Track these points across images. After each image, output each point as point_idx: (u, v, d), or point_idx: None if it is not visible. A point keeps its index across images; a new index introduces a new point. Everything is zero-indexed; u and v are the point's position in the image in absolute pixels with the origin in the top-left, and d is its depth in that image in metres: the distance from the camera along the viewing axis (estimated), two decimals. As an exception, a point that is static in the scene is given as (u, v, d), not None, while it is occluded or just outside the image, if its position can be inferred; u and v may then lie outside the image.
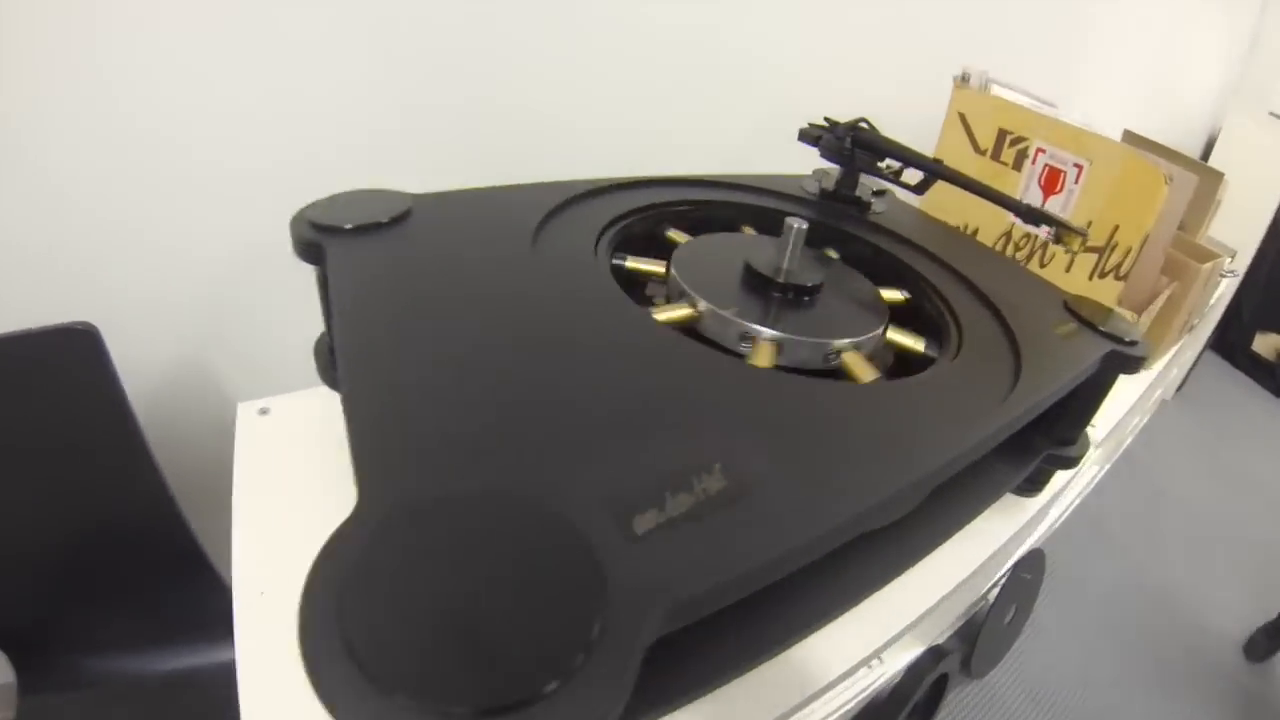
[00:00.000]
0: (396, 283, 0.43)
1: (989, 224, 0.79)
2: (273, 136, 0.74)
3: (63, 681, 0.80)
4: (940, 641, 0.74)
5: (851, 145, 0.69)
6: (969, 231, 0.82)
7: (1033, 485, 0.61)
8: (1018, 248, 0.79)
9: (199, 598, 0.83)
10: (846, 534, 0.33)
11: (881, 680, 0.56)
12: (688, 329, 0.50)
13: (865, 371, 0.48)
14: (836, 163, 0.71)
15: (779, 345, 0.48)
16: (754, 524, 0.30)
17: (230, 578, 0.44)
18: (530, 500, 0.28)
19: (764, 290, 0.53)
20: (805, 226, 0.52)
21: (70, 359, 0.65)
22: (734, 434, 0.35)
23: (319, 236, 0.45)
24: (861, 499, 0.33)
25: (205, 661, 0.85)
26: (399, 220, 0.49)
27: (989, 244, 0.80)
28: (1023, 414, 0.43)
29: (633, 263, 0.57)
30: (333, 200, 0.50)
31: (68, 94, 0.63)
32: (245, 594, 0.43)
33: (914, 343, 0.54)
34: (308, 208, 0.48)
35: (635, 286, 0.57)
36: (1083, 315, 0.56)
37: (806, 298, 0.53)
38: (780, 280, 0.52)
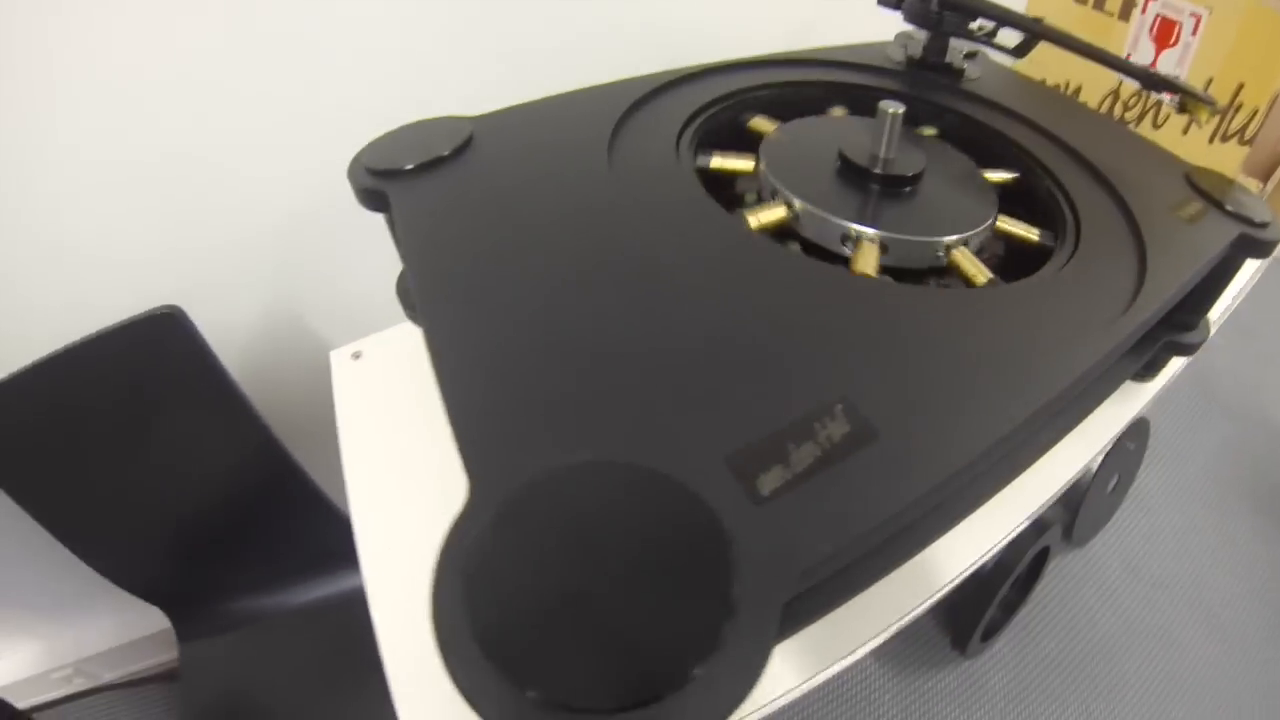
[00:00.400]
0: (467, 223, 0.41)
1: (1093, 81, 0.72)
2: (330, 71, 0.71)
3: (213, 627, 0.89)
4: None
5: (939, 6, 0.62)
6: (1071, 91, 0.75)
7: (1148, 370, 0.58)
8: (1126, 107, 0.72)
9: (322, 532, 0.89)
10: (977, 470, 0.31)
11: (987, 555, 0.55)
12: (785, 231, 0.47)
13: (977, 272, 0.45)
14: (923, 26, 0.64)
15: (884, 245, 0.44)
16: (883, 471, 0.28)
17: (349, 511, 0.46)
18: (648, 470, 0.26)
19: (862, 182, 0.49)
20: (902, 110, 0.47)
21: (162, 341, 0.67)
22: (851, 366, 0.33)
23: (379, 183, 0.43)
24: (990, 432, 0.31)
25: (337, 589, 0.93)
26: (461, 150, 0.46)
27: (1094, 105, 0.73)
28: (1151, 317, 0.40)
29: (719, 160, 0.53)
30: (391, 138, 0.48)
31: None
32: (365, 525, 0.45)
33: (1027, 232, 0.50)
34: (364, 151, 0.46)
35: (724, 185, 0.53)
36: (1207, 192, 0.50)
37: (908, 188, 0.49)
38: (878, 171, 0.48)
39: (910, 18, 0.64)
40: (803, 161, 0.50)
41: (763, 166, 0.49)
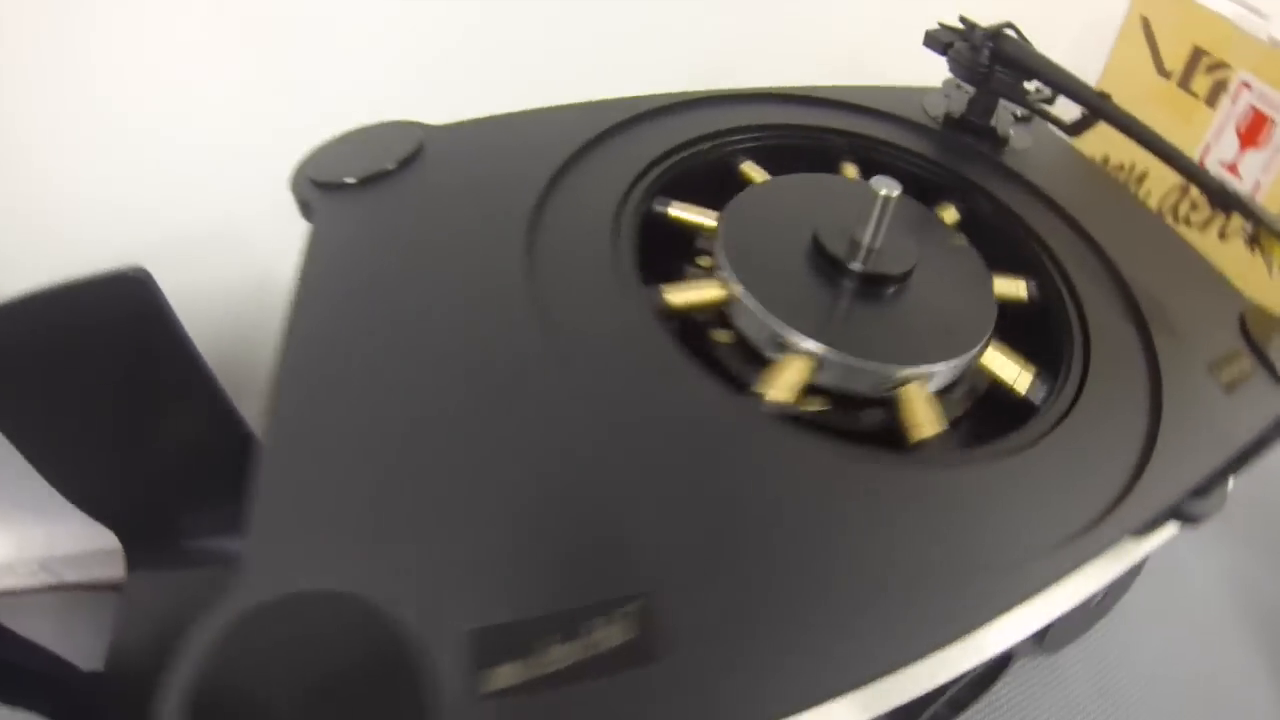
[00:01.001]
0: (370, 277, 0.36)
1: (1162, 169, 0.60)
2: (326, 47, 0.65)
3: (161, 561, 0.90)
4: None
5: (990, 59, 0.53)
6: (1135, 176, 0.65)
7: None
8: (1194, 207, 0.61)
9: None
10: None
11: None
12: (720, 314, 0.40)
13: (926, 418, 0.36)
14: (968, 81, 0.55)
15: (818, 362, 0.36)
16: (639, 711, 0.22)
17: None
18: (383, 620, 0.22)
19: (830, 274, 0.40)
20: (896, 193, 0.38)
21: (125, 302, 0.68)
22: (683, 550, 0.26)
23: (319, 197, 0.40)
24: (841, 681, 0.23)
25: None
26: (407, 163, 0.42)
27: (1159, 196, 0.63)
28: (1138, 527, 0.32)
29: (679, 210, 0.45)
30: (339, 143, 0.44)
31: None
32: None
33: (1016, 377, 0.40)
34: (308, 158, 0.43)
35: (684, 240, 0.46)
36: (1260, 346, 0.41)
37: (884, 291, 0.40)
38: (851, 265, 0.40)
39: (955, 68, 0.55)
40: (771, 232, 0.42)
41: (721, 229, 0.41)
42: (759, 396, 0.35)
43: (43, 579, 1.03)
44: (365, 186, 0.41)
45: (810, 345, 0.36)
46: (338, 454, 0.27)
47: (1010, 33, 0.52)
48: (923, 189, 0.50)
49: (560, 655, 0.22)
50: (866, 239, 0.40)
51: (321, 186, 0.41)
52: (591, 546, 0.26)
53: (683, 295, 0.39)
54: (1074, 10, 0.73)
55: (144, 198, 0.71)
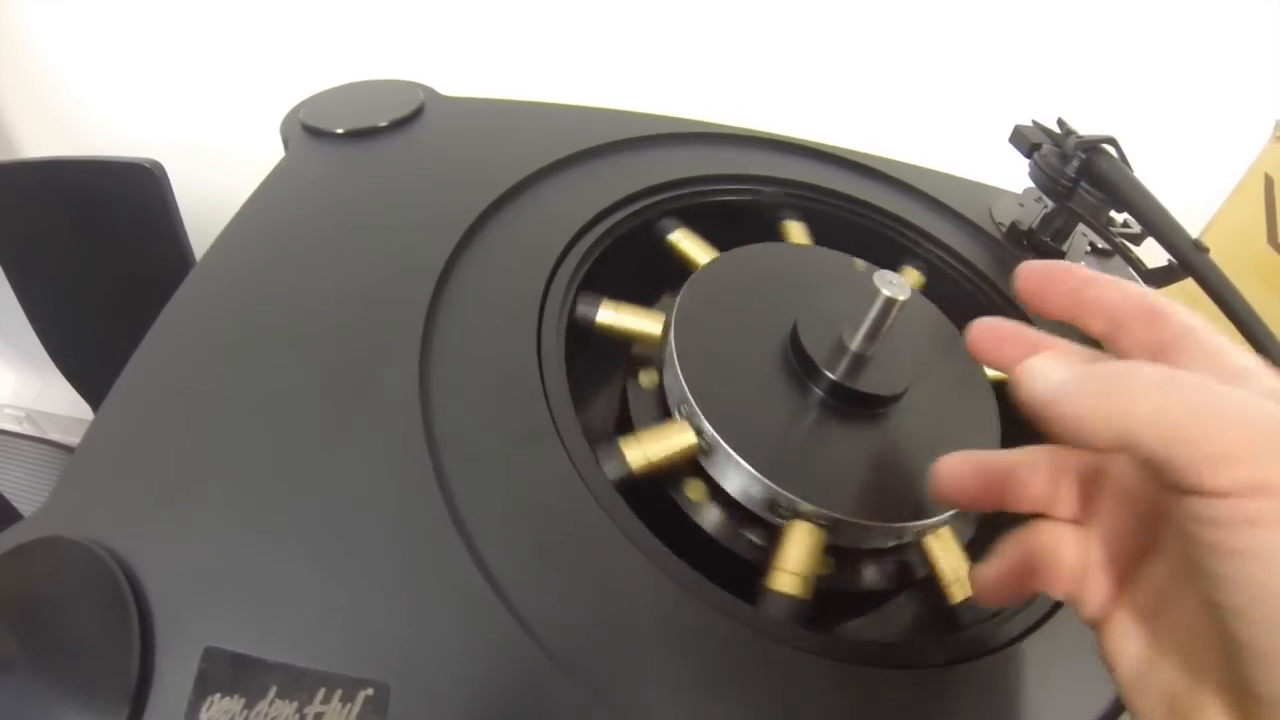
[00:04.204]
0: (297, 234, 0.34)
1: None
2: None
3: None
4: None
5: (1077, 173, 0.44)
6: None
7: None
8: (1276, 403, 0.52)
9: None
10: None
11: None
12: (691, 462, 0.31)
13: (963, 571, 0.30)
14: (1047, 193, 0.46)
15: (829, 526, 0.29)
16: None
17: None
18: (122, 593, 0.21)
19: (815, 386, 0.32)
20: (904, 298, 0.30)
21: (136, 188, 0.70)
22: None
23: (300, 137, 0.39)
24: None
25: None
26: (401, 124, 0.41)
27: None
28: None
29: (610, 315, 0.36)
30: (345, 91, 0.43)
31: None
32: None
33: None
34: (304, 104, 0.42)
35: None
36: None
37: (878, 410, 0.32)
38: (832, 375, 0.31)
39: (1036, 174, 0.46)
40: (741, 329, 0.34)
41: (671, 336, 0.32)
42: (773, 593, 0.28)
43: (26, 428, 1.13)
44: (350, 140, 0.39)
45: (825, 513, 0.28)
46: (170, 422, 0.26)
47: (1110, 149, 0.44)
48: (955, 304, 0.41)
49: (277, 712, 0.20)
50: (857, 343, 0.32)
51: (309, 131, 0.39)
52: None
53: (647, 452, 0.30)
54: (1195, 148, 0.63)
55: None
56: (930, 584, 0.31)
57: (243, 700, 0.20)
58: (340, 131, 0.39)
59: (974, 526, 0.35)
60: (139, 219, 0.72)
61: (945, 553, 0.30)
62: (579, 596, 0.24)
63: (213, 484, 0.24)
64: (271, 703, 0.20)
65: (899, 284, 0.30)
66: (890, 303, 0.30)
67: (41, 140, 0.85)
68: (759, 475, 0.28)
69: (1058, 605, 0.29)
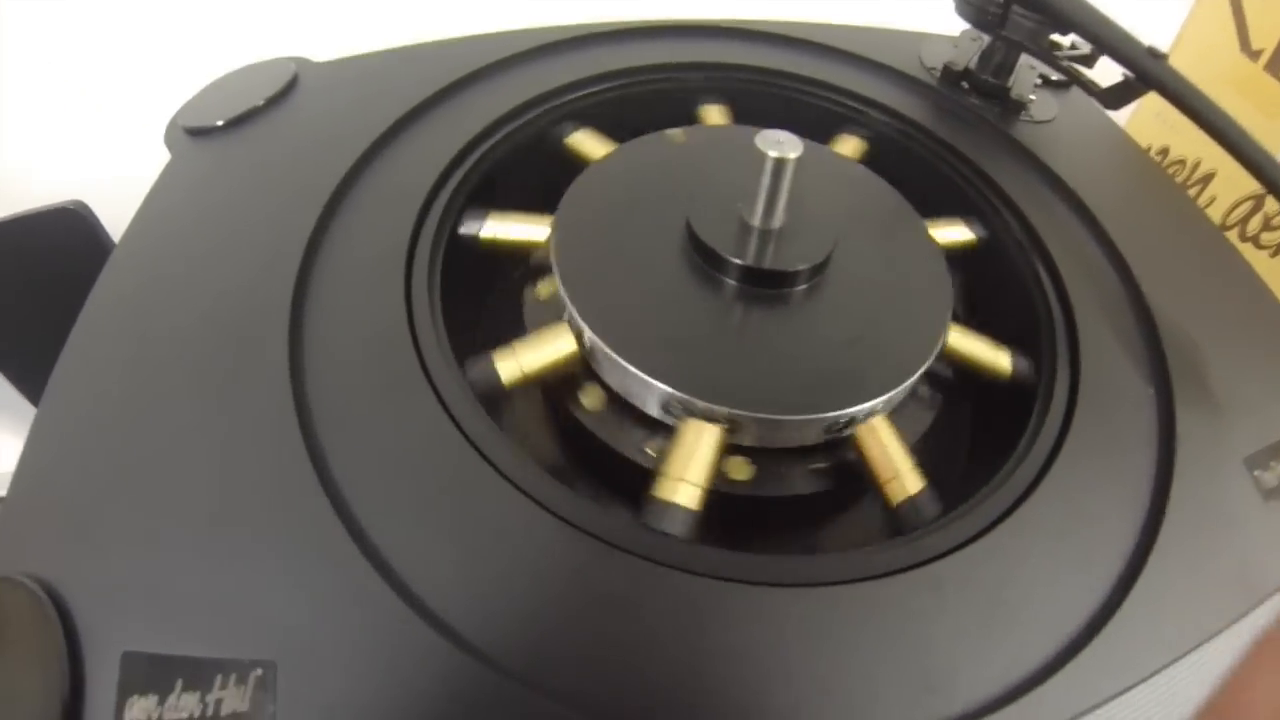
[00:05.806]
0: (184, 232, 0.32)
1: (1232, 171, 0.45)
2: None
3: None
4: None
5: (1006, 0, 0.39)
6: (1197, 177, 0.50)
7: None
8: (1267, 223, 0.46)
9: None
10: None
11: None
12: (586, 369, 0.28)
13: (901, 466, 0.26)
14: (978, 26, 0.41)
15: (731, 424, 0.25)
16: None
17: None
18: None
19: (717, 272, 0.28)
20: (794, 156, 0.26)
21: (65, 236, 0.68)
22: None
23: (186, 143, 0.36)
24: None
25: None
26: (275, 101, 0.37)
27: (1226, 204, 0.48)
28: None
29: (495, 228, 0.32)
30: (218, 86, 0.39)
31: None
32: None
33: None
34: (186, 106, 0.38)
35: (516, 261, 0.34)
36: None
37: (795, 288, 0.28)
38: (735, 258, 0.27)
39: (962, 9, 0.41)
40: (627, 225, 0.29)
41: (555, 240, 0.28)
42: (660, 504, 0.24)
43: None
44: (232, 130, 0.36)
45: (719, 409, 0.24)
46: (75, 452, 0.25)
47: (1043, -37, 0.38)
48: (890, 164, 0.37)
49: (185, 703, 0.20)
50: (760, 217, 0.27)
51: (191, 133, 0.36)
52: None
53: (523, 363, 0.27)
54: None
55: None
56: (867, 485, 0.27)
57: (155, 697, 0.20)
58: (221, 124, 0.36)
59: (933, 412, 0.31)
60: (75, 261, 0.71)
61: (879, 446, 0.26)
62: (456, 552, 0.22)
63: (120, 500, 0.23)
64: (180, 695, 0.20)
65: (789, 140, 0.25)
66: (780, 163, 0.25)
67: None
68: (636, 370, 0.24)
69: (1024, 497, 0.25)
